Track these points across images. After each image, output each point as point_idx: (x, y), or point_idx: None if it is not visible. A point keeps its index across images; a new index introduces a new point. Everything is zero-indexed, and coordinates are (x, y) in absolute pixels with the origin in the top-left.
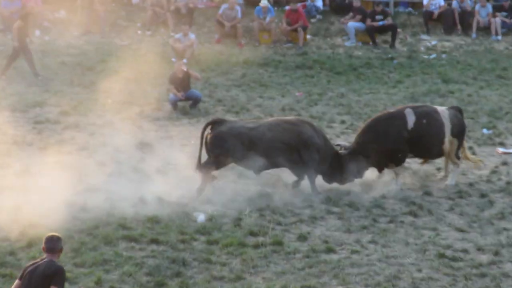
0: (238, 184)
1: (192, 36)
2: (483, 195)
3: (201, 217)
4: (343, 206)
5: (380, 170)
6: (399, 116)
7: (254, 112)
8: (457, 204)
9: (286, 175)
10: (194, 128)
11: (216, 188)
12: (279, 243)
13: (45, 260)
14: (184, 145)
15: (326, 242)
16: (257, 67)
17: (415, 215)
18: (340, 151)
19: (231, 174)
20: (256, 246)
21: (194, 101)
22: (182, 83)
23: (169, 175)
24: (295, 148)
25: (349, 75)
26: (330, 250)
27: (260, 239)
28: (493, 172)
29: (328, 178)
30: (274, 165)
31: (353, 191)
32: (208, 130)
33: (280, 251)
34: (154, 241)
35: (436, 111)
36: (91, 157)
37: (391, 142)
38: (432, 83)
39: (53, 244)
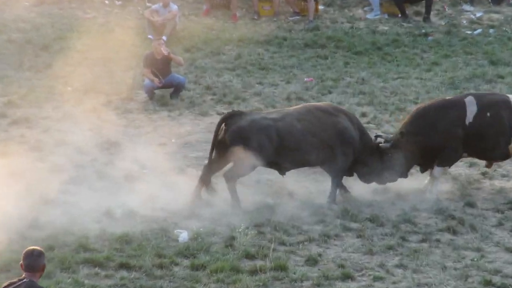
0: None
1: (173, 7)
2: None
3: (183, 236)
4: (364, 221)
5: (424, 169)
6: (457, 106)
7: (251, 102)
8: (508, 218)
9: (292, 181)
10: (175, 123)
11: (202, 198)
12: (282, 267)
13: (24, 281)
14: (162, 144)
15: (342, 266)
16: (255, 46)
17: (454, 232)
18: (380, 144)
19: (221, 179)
20: (254, 272)
21: (176, 88)
22: (161, 66)
23: (143, 182)
24: (329, 142)
25: (372, 56)
26: (347, 277)
27: (259, 263)
28: None
29: (366, 177)
30: (303, 163)
31: (376, 202)
32: (222, 127)
33: (283, 278)
34: (124, 266)
35: (507, 101)
36: (45, 160)
37: (442, 137)
38: (477, 65)
39: (33, 261)
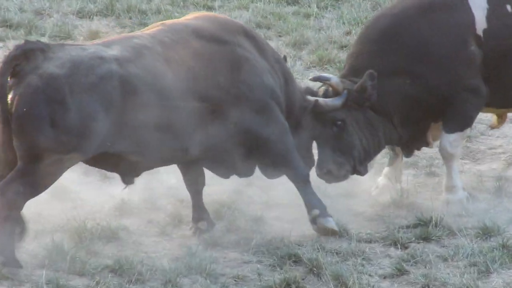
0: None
1: None
2: None
3: None
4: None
5: (410, 150)
6: (454, 5)
7: None
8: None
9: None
10: None
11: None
12: None
13: None
14: None
15: None
16: None
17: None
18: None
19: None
20: None
21: None
22: None
23: None
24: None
25: None
26: None
27: None
28: None
29: (280, 169)
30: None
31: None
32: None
33: None
34: None
35: None
36: None
37: (444, 70)
38: None
39: None
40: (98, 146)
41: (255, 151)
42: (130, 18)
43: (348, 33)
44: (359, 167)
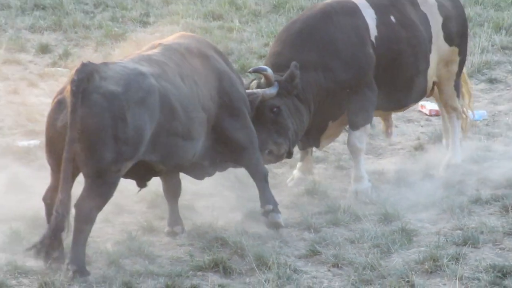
0: None
1: None
2: None
3: None
4: None
5: (308, 143)
6: (350, 12)
7: None
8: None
9: None
10: None
11: None
12: None
13: None
14: None
15: None
16: None
17: (226, 272)
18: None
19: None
20: None
21: None
22: None
23: None
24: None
25: None
26: None
27: None
28: None
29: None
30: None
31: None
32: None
33: None
34: None
35: None
36: None
37: (350, 70)
38: None
39: None
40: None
41: (228, 152)
42: (76, 32)
43: (266, 44)
44: (292, 148)
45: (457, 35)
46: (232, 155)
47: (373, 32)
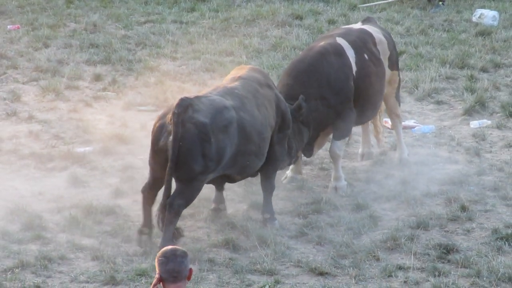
0: None
1: None
2: None
3: None
4: (103, 235)
5: (311, 152)
6: (338, 51)
7: None
8: (312, 224)
9: None
10: None
11: None
12: None
13: None
14: None
15: None
16: None
17: (234, 247)
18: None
19: None
20: None
21: None
22: None
23: None
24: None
25: None
26: None
27: None
28: None
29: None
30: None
31: (119, 207)
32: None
33: None
34: None
35: (371, 35)
36: None
37: (340, 97)
38: (263, 1)
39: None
40: (222, 168)
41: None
42: (121, 65)
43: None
44: (293, 162)
45: (396, 62)
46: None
47: (354, 68)
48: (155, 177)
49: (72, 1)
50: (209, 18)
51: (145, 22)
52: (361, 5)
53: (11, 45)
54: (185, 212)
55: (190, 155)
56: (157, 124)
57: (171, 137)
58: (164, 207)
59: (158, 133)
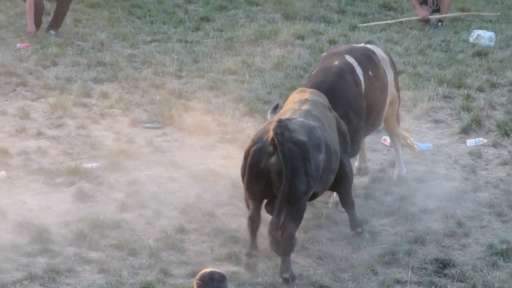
0: None
1: None
2: None
3: None
4: (109, 249)
5: None
6: (349, 69)
7: None
8: (314, 239)
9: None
10: None
11: None
12: None
13: None
14: None
15: None
16: None
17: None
18: None
19: None
20: None
21: None
22: None
23: None
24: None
25: (115, 9)
26: None
27: None
28: None
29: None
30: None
31: (124, 221)
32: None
33: None
34: None
35: (374, 53)
36: None
37: (355, 115)
38: (266, 21)
39: None
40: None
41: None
42: (128, 83)
43: (269, 93)
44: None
45: (397, 83)
46: (334, 183)
47: (362, 85)
48: (257, 200)
49: (79, 20)
50: (213, 38)
51: (151, 41)
52: (361, 25)
53: (20, 63)
54: (190, 227)
55: (295, 174)
56: (254, 148)
57: (272, 159)
58: (275, 228)
59: (257, 156)
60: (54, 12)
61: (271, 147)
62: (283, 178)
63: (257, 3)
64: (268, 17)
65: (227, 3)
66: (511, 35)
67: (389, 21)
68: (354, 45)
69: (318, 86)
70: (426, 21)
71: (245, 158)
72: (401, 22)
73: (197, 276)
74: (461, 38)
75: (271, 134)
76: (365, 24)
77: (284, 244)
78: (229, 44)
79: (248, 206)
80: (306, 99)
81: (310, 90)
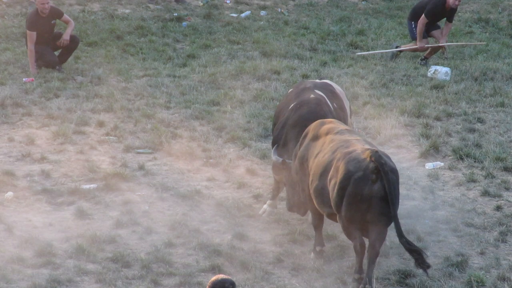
0: None
1: None
2: None
3: None
4: (105, 261)
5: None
6: (322, 102)
7: None
8: (288, 253)
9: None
10: None
11: None
12: None
13: None
14: None
15: None
16: None
17: (220, 272)
18: None
19: None
20: None
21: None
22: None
23: None
24: None
25: (110, 48)
26: None
27: None
28: None
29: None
30: None
31: (119, 237)
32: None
33: None
34: None
35: (332, 87)
36: None
37: None
38: (245, 58)
39: None
40: None
41: None
42: (122, 113)
43: (249, 122)
44: None
45: (351, 112)
46: None
47: (334, 114)
48: (359, 226)
49: (79, 57)
50: (199, 73)
51: (143, 76)
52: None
53: (26, 95)
54: (177, 241)
55: (395, 200)
56: (355, 177)
57: (375, 186)
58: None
59: (361, 184)
60: (62, 50)
61: (373, 175)
62: (389, 202)
63: (238, 42)
64: (248, 54)
65: (211, 42)
66: (464, 70)
67: (385, 50)
68: (316, 81)
69: (305, 118)
70: (423, 50)
71: (343, 188)
72: (366, 59)
73: (209, 283)
74: (420, 73)
75: (372, 164)
76: (361, 53)
77: (371, 260)
78: (213, 79)
79: (316, 227)
80: (345, 129)
81: (333, 120)
